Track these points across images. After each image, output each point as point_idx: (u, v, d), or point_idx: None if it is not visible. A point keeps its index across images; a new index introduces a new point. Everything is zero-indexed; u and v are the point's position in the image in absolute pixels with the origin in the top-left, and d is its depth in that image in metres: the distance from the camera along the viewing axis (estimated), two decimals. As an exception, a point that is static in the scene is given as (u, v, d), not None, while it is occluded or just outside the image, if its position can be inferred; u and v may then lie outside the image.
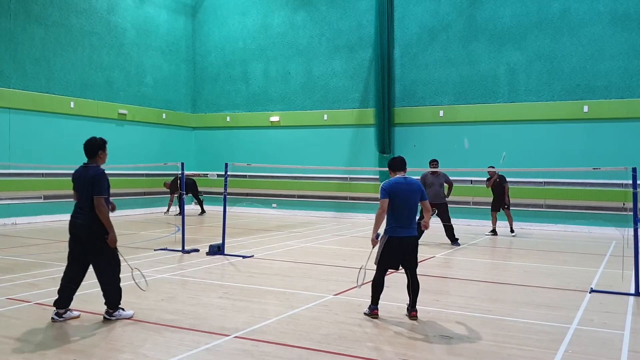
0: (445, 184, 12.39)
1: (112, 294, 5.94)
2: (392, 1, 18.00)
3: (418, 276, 6.33)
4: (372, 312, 6.19)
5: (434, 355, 5.02)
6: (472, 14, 17.10)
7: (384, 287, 6.24)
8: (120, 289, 6.00)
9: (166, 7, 20.36)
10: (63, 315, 5.86)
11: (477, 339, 5.50)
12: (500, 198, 14.00)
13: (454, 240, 12.35)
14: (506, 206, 14.01)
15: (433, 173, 12.28)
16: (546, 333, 5.72)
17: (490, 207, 14.39)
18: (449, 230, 12.40)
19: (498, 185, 13.99)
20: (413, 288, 6.20)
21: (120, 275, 6.07)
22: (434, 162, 12.45)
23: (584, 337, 5.62)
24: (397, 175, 6.29)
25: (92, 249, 5.83)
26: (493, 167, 13.79)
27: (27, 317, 6.02)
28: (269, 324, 5.93)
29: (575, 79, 15.82)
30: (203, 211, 18.69)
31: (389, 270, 6.36)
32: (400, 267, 6.29)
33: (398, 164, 6.34)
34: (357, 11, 18.70)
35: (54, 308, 5.90)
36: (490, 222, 14.43)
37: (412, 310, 6.18)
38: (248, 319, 6.07)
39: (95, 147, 6.34)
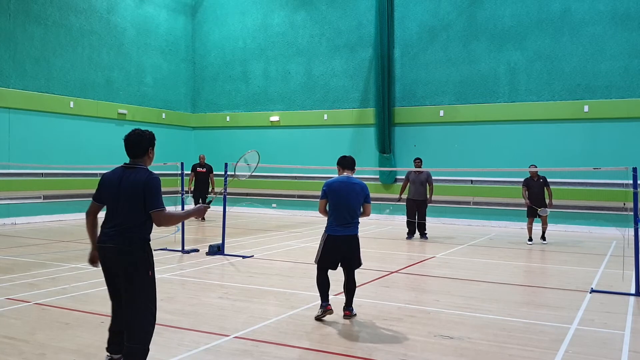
0: (427, 185, 13.22)
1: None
2: (392, 1, 17.99)
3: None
4: (326, 308, 6.01)
5: (434, 355, 5.01)
6: (473, 14, 17.09)
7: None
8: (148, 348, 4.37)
9: (166, 6, 20.35)
10: None
11: (478, 339, 5.49)
12: (541, 201, 12.68)
13: (423, 234, 13.29)
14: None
15: (416, 171, 13.19)
16: (547, 333, 5.71)
17: (526, 213, 13.09)
18: (421, 226, 13.21)
19: (540, 187, 12.74)
20: (348, 287, 6.20)
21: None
22: (417, 160, 13.53)
23: (584, 337, 5.61)
24: (343, 174, 6.23)
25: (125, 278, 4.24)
26: (535, 167, 12.93)
27: (26, 317, 6.01)
28: (269, 324, 5.92)
29: (576, 78, 15.81)
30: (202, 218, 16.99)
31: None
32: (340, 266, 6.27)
33: (346, 163, 6.26)
34: (357, 11, 18.69)
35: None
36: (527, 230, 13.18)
37: (346, 310, 6.17)
38: (248, 319, 6.06)
39: (144, 143, 4.38)
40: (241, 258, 10.07)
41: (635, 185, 7.51)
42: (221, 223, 10.68)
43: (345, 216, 6.02)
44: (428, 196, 13.27)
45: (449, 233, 14.73)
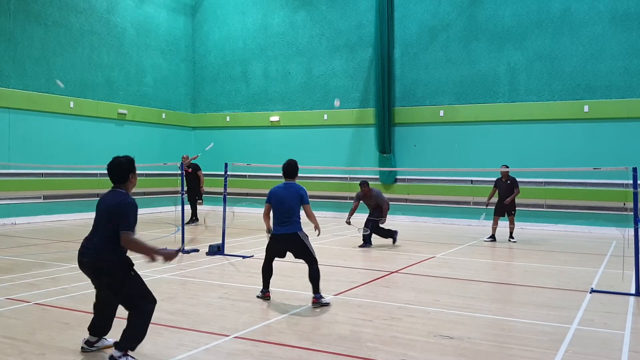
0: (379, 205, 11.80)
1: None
2: (392, 1, 17.99)
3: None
4: (264, 294, 6.91)
5: (434, 355, 5.01)
6: (473, 14, 17.09)
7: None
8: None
9: (166, 6, 20.35)
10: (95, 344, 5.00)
11: (478, 339, 5.49)
12: (508, 202, 12.86)
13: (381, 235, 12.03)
14: (513, 212, 13.00)
15: (365, 196, 11.80)
16: (547, 333, 5.71)
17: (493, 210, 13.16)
18: (381, 230, 11.99)
19: (508, 188, 12.92)
20: (310, 277, 6.76)
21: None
22: (363, 185, 11.88)
23: (584, 337, 5.61)
24: (285, 182, 7.02)
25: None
26: (507, 167, 12.98)
27: (26, 317, 6.01)
28: (269, 324, 5.92)
29: (576, 78, 15.81)
30: (196, 219, 16.10)
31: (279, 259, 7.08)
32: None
33: (285, 172, 7.05)
34: (357, 11, 18.70)
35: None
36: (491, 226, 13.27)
37: (313, 297, 6.69)
38: (248, 319, 6.06)
39: (123, 171, 4.77)
40: (241, 258, 10.07)
41: (635, 185, 7.51)
42: (221, 223, 10.67)
43: (282, 216, 6.81)
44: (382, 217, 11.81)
45: (449, 233, 14.73)
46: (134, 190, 4.90)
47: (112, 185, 4.81)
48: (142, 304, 4.63)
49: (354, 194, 12.43)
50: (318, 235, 7.32)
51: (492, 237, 13.10)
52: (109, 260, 4.57)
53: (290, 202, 6.83)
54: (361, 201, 12.05)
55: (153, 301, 4.71)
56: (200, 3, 21.40)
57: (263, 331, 5.64)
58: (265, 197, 7.13)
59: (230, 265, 9.45)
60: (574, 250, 11.99)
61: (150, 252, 4.53)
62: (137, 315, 4.61)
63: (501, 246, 12.45)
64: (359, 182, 12.14)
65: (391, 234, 12.07)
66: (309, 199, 7.09)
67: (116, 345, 4.61)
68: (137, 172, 4.87)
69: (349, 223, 11.88)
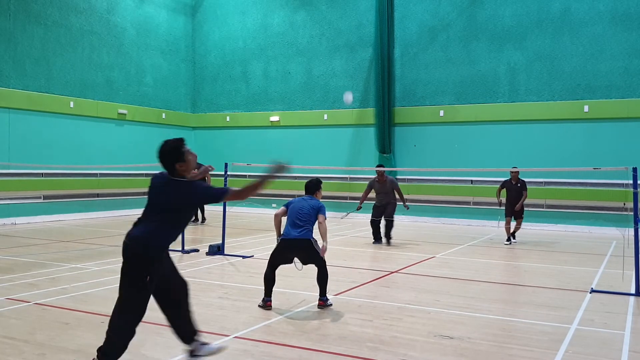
0: (395, 192, 12.35)
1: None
2: (392, 1, 17.99)
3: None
4: (266, 304, 6.55)
5: (434, 355, 5.01)
6: (473, 14, 17.09)
7: (276, 281, 6.67)
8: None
9: (166, 6, 20.36)
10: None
11: (478, 339, 5.49)
12: (516, 203, 12.72)
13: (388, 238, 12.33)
14: (522, 215, 12.91)
15: (379, 181, 12.35)
16: (547, 333, 5.71)
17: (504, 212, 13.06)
18: (387, 229, 12.35)
19: (517, 191, 12.78)
20: (318, 279, 6.64)
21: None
22: (379, 171, 12.40)
23: (584, 337, 5.61)
24: (307, 195, 7.24)
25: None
26: (516, 168, 12.88)
27: (26, 317, 6.01)
28: (269, 324, 5.92)
29: (576, 78, 15.82)
30: (203, 219, 16.38)
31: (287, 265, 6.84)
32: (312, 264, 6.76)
33: (307, 189, 7.39)
34: (357, 11, 18.70)
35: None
36: (504, 229, 13.03)
37: (320, 300, 6.63)
38: (248, 319, 6.06)
39: (168, 160, 4.34)
40: (241, 258, 10.08)
41: (635, 185, 7.51)
42: (221, 223, 10.68)
43: (298, 220, 6.71)
44: (401, 202, 12.40)
45: (449, 233, 14.73)
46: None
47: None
48: (119, 319, 4.22)
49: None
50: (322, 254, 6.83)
51: (509, 239, 12.82)
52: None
53: (308, 210, 6.84)
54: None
55: (131, 322, 4.24)
56: (200, 3, 21.41)
57: (263, 331, 5.64)
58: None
59: (230, 265, 9.46)
60: (574, 250, 11.99)
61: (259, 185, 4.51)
62: (108, 336, 4.24)
63: (501, 246, 12.45)
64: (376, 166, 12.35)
65: (388, 237, 12.34)
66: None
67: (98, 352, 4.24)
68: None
69: (359, 208, 12.62)
